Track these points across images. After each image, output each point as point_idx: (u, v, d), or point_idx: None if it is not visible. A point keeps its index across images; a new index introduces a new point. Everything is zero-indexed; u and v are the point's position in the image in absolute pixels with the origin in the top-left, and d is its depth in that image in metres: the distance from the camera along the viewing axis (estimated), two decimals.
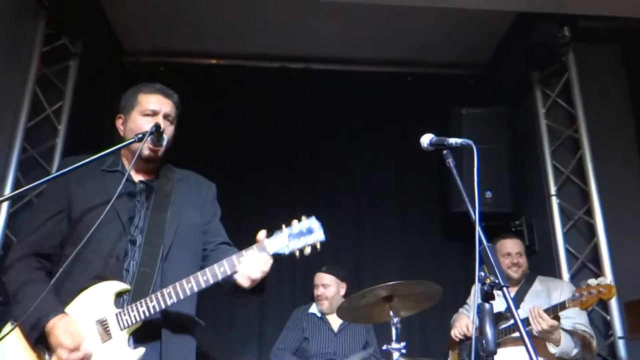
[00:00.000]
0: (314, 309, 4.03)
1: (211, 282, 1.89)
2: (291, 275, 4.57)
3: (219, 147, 4.82)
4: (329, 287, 3.98)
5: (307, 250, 1.89)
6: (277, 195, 4.77)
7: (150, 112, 2.13)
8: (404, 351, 2.88)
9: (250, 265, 1.88)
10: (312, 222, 1.92)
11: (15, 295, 1.93)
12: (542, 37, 4.21)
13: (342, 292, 4.03)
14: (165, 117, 2.15)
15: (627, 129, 4.28)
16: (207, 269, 1.90)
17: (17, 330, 1.89)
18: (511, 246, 3.51)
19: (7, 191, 3.57)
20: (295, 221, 1.92)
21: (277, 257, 1.93)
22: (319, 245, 1.90)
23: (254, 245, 1.92)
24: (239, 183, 4.77)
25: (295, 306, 4.23)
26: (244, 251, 1.92)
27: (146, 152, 2.08)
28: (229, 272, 1.89)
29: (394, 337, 2.89)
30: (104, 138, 4.02)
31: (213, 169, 4.63)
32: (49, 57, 4.03)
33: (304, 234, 1.89)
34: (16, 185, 3.65)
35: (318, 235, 1.90)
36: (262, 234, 1.92)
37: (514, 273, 3.43)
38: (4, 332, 1.94)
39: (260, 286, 1.98)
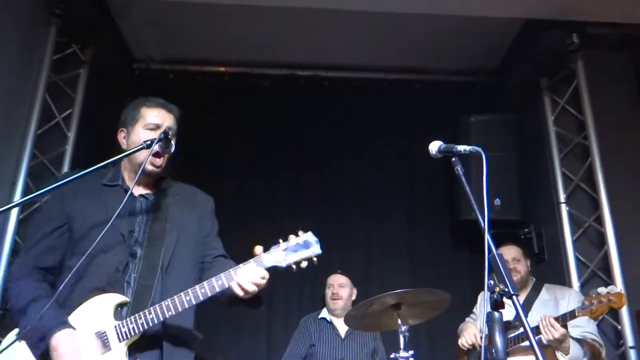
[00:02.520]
0: (324, 313, 4.04)
1: (209, 294, 1.93)
2: (298, 280, 4.57)
3: (227, 154, 4.84)
4: (345, 287, 4.03)
5: (304, 264, 1.93)
6: (285, 202, 4.78)
7: (153, 126, 2.16)
8: None
9: (245, 277, 1.91)
10: (309, 237, 1.96)
11: (22, 310, 1.95)
12: (551, 44, 4.19)
13: (353, 297, 4.08)
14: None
15: (637, 136, 4.25)
16: (205, 282, 1.93)
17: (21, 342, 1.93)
18: (506, 253, 3.46)
19: (17, 197, 3.60)
20: (292, 236, 1.97)
21: (274, 271, 1.96)
22: (315, 259, 1.94)
23: (251, 260, 1.95)
24: (247, 189, 4.79)
25: (302, 313, 4.23)
26: (241, 264, 1.96)
27: (149, 167, 2.10)
28: (226, 285, 1.93)
29: (402, 346, 2.87)
30: (113, 145, 4.04)
31: (221, 175, 4.73)
32: (59, 64, 4.07)
33: (300, 247, 1.93)
34: (26, 191, 3.67)
35: (314, 249, 1.94)
36: (259, 249, 1.97)
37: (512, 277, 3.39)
38: (5, 342, 1.96)
39: (256, 299, 2.02)
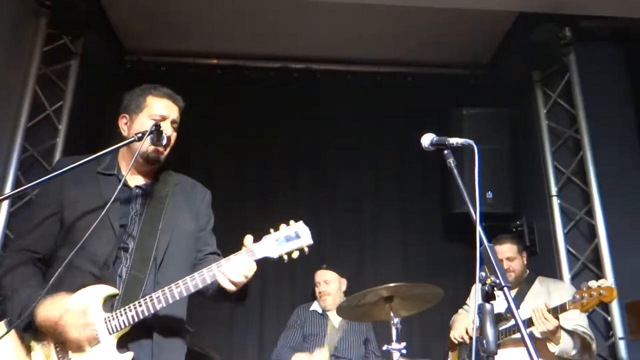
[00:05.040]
0: (315, 306, 4.04)
1: (200, 286, 1.90)
2: (290, 275, 4.58)
3: (219, 147, 4.82)
4: (331, 283, 4.01)
5: (295, 255, 1.90)
6: (278, 196, 4.77)
7: (159, 117, 2.10)
8: (404, 351, 2.88)
9: (233, 269, 1.88)
10: (300, 226, 1.92)
11: (9, 297, 1.93)
12: (543, 37, 4.19)
13: (343, 288, 4.08)
14: (172, 123, 2.14)
15: (628, 129, 4.27)
16: (196, 274, 1.90)
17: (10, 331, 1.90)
18: (499, 252, 3.43)
19: (8, 190, 3.57)
20: (283, 225, 1.92)
21: (265, 262, 1.92)
22: (306, 250, 1.91)
23: (242, 250, 1.91)
24: (238, 183, 4.77)
25: (295, 305, 4.24)
26: (232, 255, 1.92)
27: (152, 153, 2.06)
28: (217, 277, 1.89)
29: (394, 338, 2.88)
30: (104, 138, 4.02)
31: (213, 169, 4.71)
32: (49, 56, 4.03)
33: (291, 238, 1.89)
34: (16, 184, 3.65)
35: (306, 239, 1.90)
36: (248, 239, 1.92)
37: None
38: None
39: (242, 292, 1.99)
